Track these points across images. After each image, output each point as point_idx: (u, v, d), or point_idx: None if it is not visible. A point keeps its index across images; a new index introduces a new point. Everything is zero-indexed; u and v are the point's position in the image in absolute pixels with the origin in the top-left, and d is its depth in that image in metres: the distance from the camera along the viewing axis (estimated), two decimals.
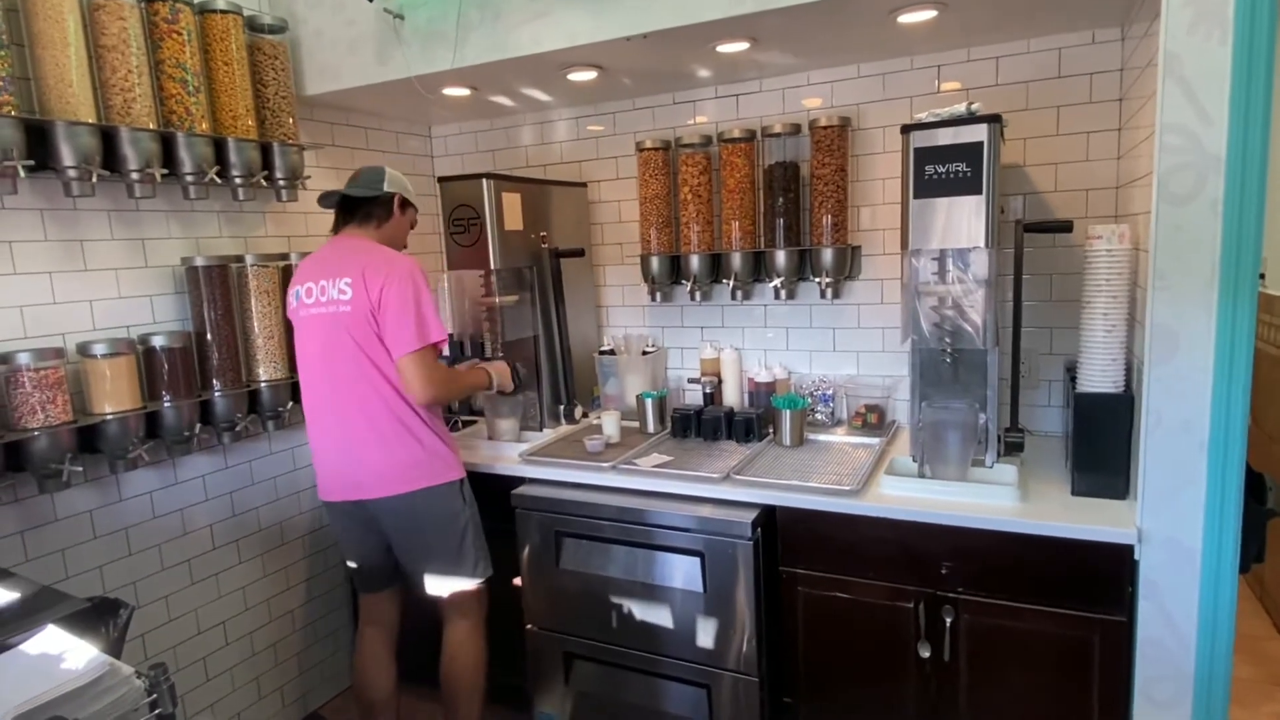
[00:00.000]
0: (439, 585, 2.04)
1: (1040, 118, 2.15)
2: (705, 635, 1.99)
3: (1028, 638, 1.72)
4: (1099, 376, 1.71)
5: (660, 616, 2.04)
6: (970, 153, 1.72)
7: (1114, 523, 1.62)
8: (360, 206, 2.03)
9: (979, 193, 1.73)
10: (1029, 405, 2.27)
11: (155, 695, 1.09)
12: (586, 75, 2.30)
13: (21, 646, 1.07)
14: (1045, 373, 2.26)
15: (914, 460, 1.96)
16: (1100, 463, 1.73)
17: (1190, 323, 1.48)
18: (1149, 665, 1.61)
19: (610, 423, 2.39)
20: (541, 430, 2.53)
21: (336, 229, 2.07)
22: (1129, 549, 1.60)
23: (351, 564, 2.13)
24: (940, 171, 1.76)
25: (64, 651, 1.06)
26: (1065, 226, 1.92)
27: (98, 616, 1.65)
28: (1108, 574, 1.63)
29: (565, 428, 2.56)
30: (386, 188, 2.03)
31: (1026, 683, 1.74)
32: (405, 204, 2.09)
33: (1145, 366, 1.54)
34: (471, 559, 2.05)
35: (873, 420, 2.36)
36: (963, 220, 1.77)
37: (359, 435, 1.94)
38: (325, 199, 2.09)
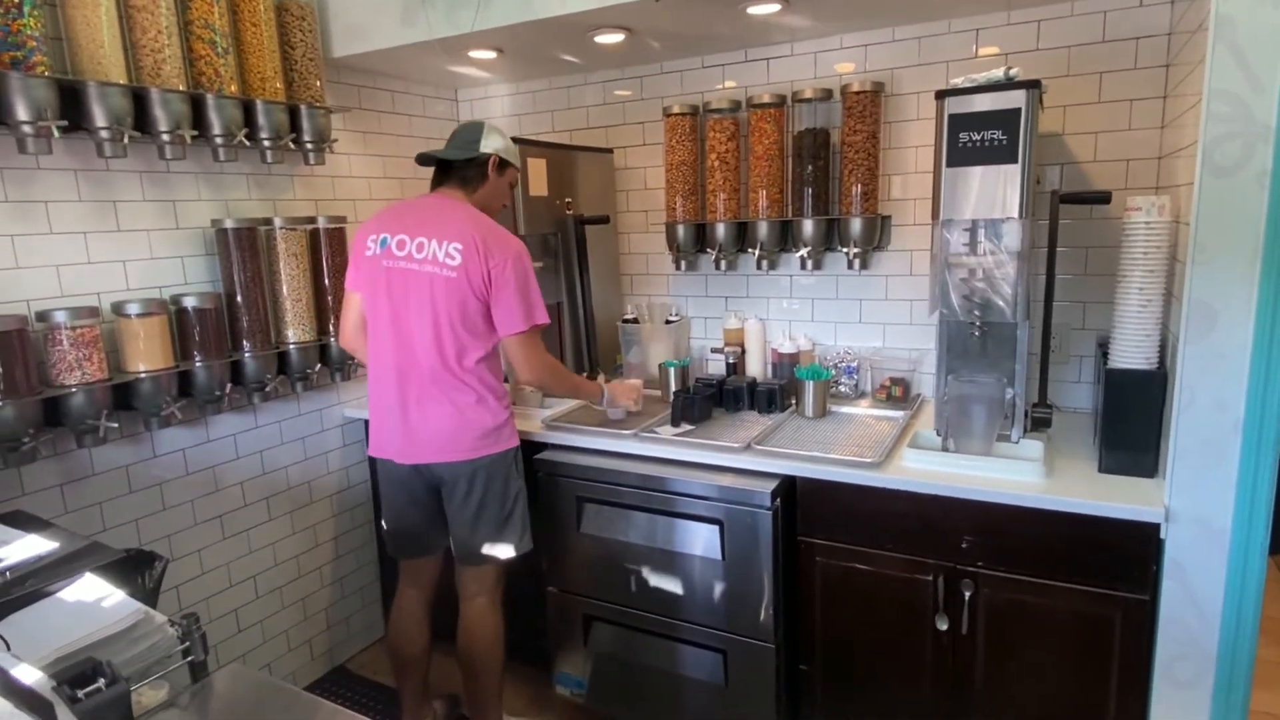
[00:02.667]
0: (483, 553, 2.03)
1: (1082, 84, 2.08)
2: (723, 602, 2.01)
3: (1047, 613, 1.71)
4: (1131, 352, 1.68)
5: (679, 582, 2.06)
6: (1007, 120, 1.67)
7: (1141, 501, 1.59)
8: (456, 167, 1.99)
9: (1014, 161, 1.69)
10: (1059, 381, 2.23)
11: (188, 643, 1.13)
12: (614, 37, 2.26)
13: (60, 593, 1.11)
14: (1077, 348, 2.22)
15: (938, 434, 1.94)
16: (1129, 440, 1.70)
17: (1230, 299, 1.44)
18: (1171, 644, 1.60)
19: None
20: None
21: (434, 187, 2.03)
22: (1155, 528, 1.57)
23: (386, 525, 2.13)
24: (975, 139, 1.71)
25: (101, 599, 1.10)
26: (1103, 198, 1.86)
27: (134, 567, 1.71)
28: (1132, 552, 1.61)
29: None
30: (483, 149, 1.97)
31: (1045, 658, 1.74)
32: (503, 164, 2.03)
33: (1180, 343, 1.50)
34: (518, 530, 2.05)
35: (897, 393, 2.34)
36: (997, 190, 1.73)
37: (426, 397, 1.92)
38: (422, 160, 2.04)
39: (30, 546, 1.26)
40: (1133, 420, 1.68)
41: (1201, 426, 1.51)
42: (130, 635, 1.05)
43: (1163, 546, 1.58)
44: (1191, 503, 1.54)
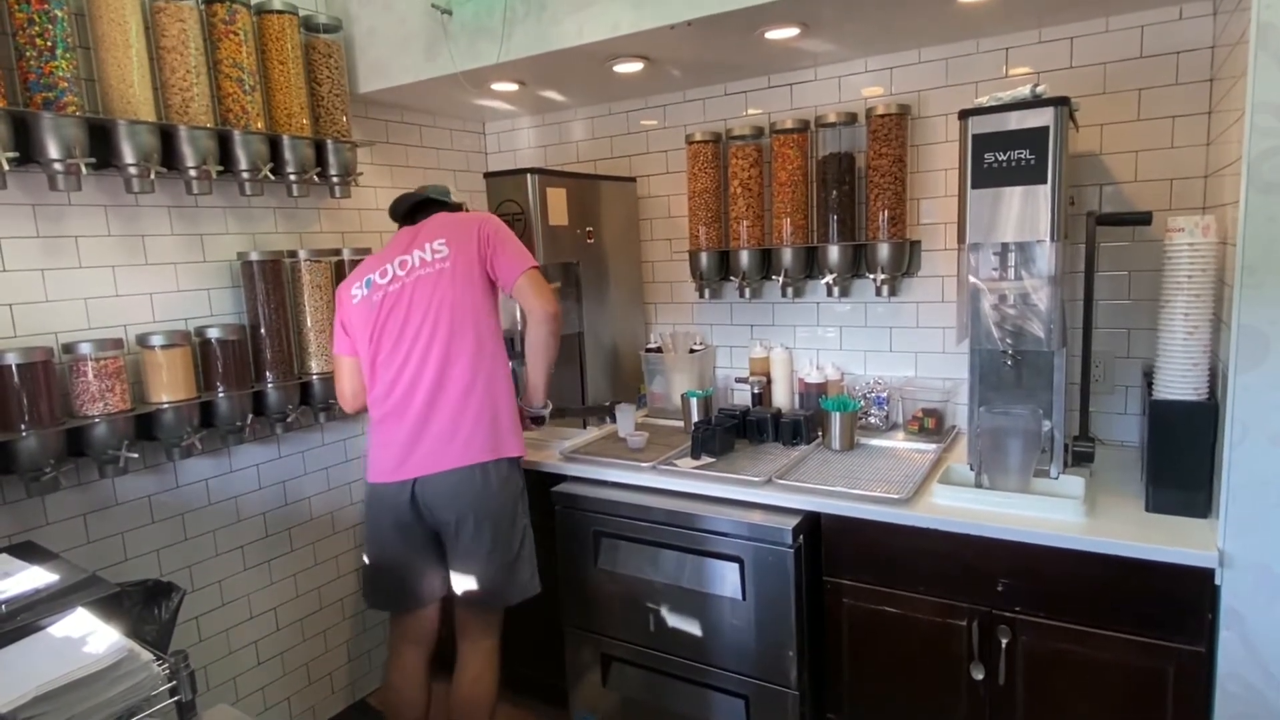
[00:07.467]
0: (489, 593, 1.92)
1: (1119, 102, 1.99)
2: (744, 644, 1.92)
3: (1093, 665, 1.59)
4: (1178, 382, 1.56)
5: (697, 622, 1.98)
6: (1034, 138, 1.60)
7: (1192, 544, 1.47)
8: (437, 209, 2.05)
9: (1043, 181, 1.61)
10: (1104, 412, 2.10)
11: (175, 682, 1.11)
12: (633, 67, 2.25)
13: (50, 629, 1.10)
14: (1123, 378, 2.09)
15: (971, 469, 1.84)
16: (1178, 477, 1.58)
17: None
18: (1231, 702, 1.46)
19: (625, 420, 2.37)
20: (585, 428, 2.50)
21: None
22: (1209, 573, 1.45)
23: (371, 566, 2.00)
24: (1001, 159, 1.64)
25: (88, 635, 1.08)
26: (1143, 219, 1.77)
27: (150, 598, 1.71)
28: (1185, 600, 1.49)
29: (610, 426, 2.53)
30: (454, 197, 2.12)
31: (1090, 713, 1.61)
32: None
33: (1231, 372, 1.39)
34: (528, 569, 1.95)
35: (930, 425, 2.24)
36: (1025, 211, 1.64)
37: (443, 402, 1.85)
38: (398, 206, 2.08)
39: (30, 579, 1.26)
40: (1182, 456, 1.57)
41: (1257, 462, 1.39)
42: (113, 674, 1.02)
43: (1218, 593, 1.45)
44: (1249, 546, 1.41)
